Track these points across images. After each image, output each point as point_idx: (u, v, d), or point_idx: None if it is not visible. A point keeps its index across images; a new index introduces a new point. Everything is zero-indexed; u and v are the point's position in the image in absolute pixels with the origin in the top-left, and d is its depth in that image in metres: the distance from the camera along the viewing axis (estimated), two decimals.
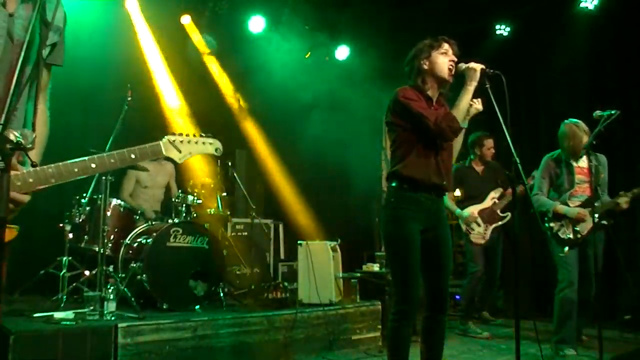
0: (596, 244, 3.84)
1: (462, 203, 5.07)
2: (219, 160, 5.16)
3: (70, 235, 4.16)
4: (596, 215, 3.84)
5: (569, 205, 3.97)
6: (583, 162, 4.03)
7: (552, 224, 4.01)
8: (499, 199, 5.02)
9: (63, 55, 1.91)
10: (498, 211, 5.01)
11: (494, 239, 5.00)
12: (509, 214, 5.01)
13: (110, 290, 3.50)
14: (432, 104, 2.76)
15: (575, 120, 4.02)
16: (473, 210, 4.97)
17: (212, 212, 4.66)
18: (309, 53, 6.79)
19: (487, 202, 5.03)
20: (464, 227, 5.00)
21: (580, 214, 3.91)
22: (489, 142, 5.05)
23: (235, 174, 5.33)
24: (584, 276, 3.89)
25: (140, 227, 4.30)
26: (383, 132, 7.94)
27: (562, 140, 4.05)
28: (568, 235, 3.95)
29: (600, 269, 3.94)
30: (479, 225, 4.96)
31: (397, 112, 2.72)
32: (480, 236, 4.96)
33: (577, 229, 3.92)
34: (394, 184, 2.69)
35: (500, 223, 5.02)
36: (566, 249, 3.93)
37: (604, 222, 3.97)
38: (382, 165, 7.91)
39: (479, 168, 5.11)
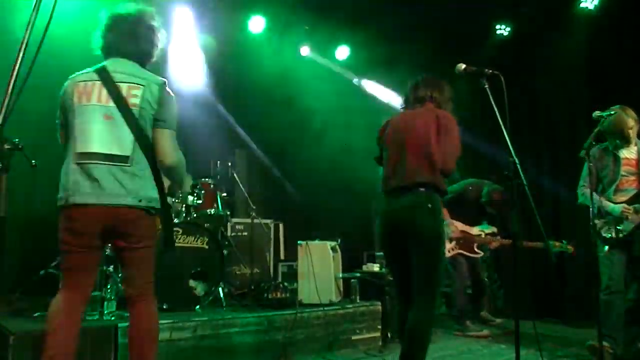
0: None
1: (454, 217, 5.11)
2: (219, 161, 5.16)
3: None
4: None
5: (613, 200, 3.71)
6: (632, 153, 3.78)
7: (596, 221, 3.75)
8: (486, 234, 5.05)
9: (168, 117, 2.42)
10: (475, 245, 5.03)
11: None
12: (482, 253, 5.07)
13: (110, 290, 3.50)
14: None
15: (621, 106, 3.75)
16: (459, 226, 5.01)
17: (212, 212, 4.65)
18: (309, 53, 6.79)
19: (474, 230, 5.07)
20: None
21: (625, 210, 3.64)
22: (496, 206, 5.07)
23: (235, 174, 5.33)
24: (634, 280, 3.65)
25: None
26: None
27: (608, 127, 3.70)
28: (610, 234, 3.70)
29: None
30: (449, 241, 4.97)
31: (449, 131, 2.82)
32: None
33: (620, 227, 3.65)
34: (437, 193, 2.79)
35: (467, 254, 5.03)
36: (606, 248, 3.68)
37: None
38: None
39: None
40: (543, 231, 2.76)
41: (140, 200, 2.31)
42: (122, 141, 2.32)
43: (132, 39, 2.44)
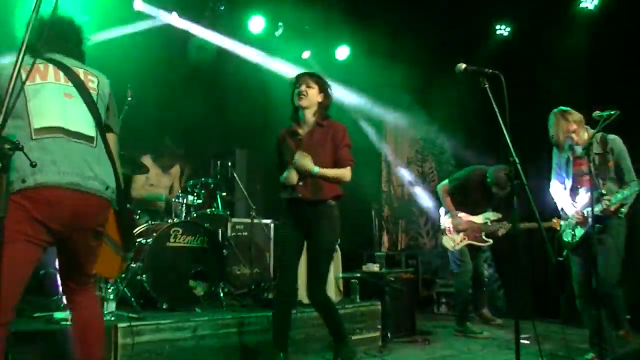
0: (602, 247, 3.42)
1: (456, 206, 5.08)
2: (219, 161, 5.16)
3: None
4: (589, 218, 3.44)
5: (572, 201, 3.62)
6: (580, 152, 3.62)
7: (562, 223, 3.75)
8: (492, 222, 4.98)
9: (116, 121, 2.36)
10: (482, 233, 4.97)
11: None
12: (491, 241, 5.00)
13: (110, 290, 3.50)
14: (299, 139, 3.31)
15: (565, 108, 3.67)
16: (463, 217, 4.99)
17: (212, 212, 4.65)
18: (309, 53, 6.79)
19: (479, 219, 5.01)
20: (444, 225, 5.01)
21: (576, 215, 3.57)
22: (503, 191, 4.83)
23: (235, 174, 5.33)
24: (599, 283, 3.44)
25: (140, 227, 4.30)
26: (383, 133, 7.96)
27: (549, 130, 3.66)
28: (567, 238, 3.65)
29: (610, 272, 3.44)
30: (457, 232, 4.94)
31: None
32: (452, 244, 4.97)
33: (575, 232, 3.59)
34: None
35: (477, 243, 4.99)
36: (565, 252, 3.66)
37: (597, 225, 3.39)
38: (382, 165, 7.93)
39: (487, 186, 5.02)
40: (543, 231, 2.76)
41: (107, 188, 2.10)
42: (86, 121, 2.12)
43: (66, 42, 2.28)
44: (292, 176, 3.19)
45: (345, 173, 3.27)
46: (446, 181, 5.21)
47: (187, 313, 3.73)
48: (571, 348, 4.16)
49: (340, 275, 4.64)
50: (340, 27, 6.32)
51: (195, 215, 4.46)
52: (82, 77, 2.19)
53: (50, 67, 2.13)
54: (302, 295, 4.39)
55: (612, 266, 3.46)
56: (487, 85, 2.61)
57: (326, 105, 3.37)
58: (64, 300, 3.75)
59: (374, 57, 6.33)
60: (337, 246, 4.62)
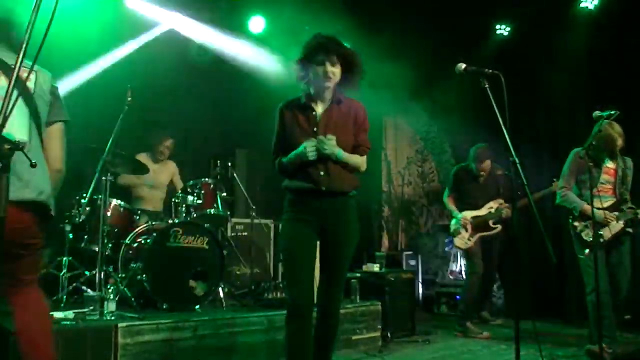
0: (622, 250, 3.83)
1: (458, 205, 5.10)
2: (218, 161, 5.16)
3: (70, 236, 4.16)
4: (621, 222, 3.81)
5: (599, 206, 3.81)
6: (611, 163, 3.95)
7: (576, 223, 3.94)
8: (495, 210, 5.00)
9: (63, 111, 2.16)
10: (490, 222, 5.00)
11: (491, 237, 5.02)
12: (500, 226, 5.00)
13: (110, 290, 3.50)
14: (315, 115, 2.82)
15: (609, 122, 3.81)
16: (467, 215, 4.99)
17: (212, 212, 4.65)
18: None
19: (483, 211, 5.03)
20: (452, 228, 5.03)
21: (607, 217, 3.81)
22: (487, 164, 4.97)
23: (235, 174, 5.33)
24: (610, 282, 3.79)
25: (141, 227, 4.31)
26: (382, 131, 7.96)
27: (598, 144, 3.79)
28: (590, 238, 3.82)
29: (629, 277, 3.87)
30: (466, 230, 4.96)
31: None
32: (463, 242, 4.96)
33: (601, 232, 3.80)
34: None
35: (487, 233, 5.00)
36: (586, 251, 3.84)
37: (629, 229, 3.86)
38: (382, 165, 7.93)
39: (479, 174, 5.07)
40: (543, 230, 2.76)
41: (40, 193, 1.93)
42: (19, 125, 1.96)
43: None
44: (311, 149, 2.67)
45: (364, 161, 2.86)
46: (446, 190, 5.28)
47: (187, 313, 3.73)
48: (572, 347, 4.17)
49: None
50: (340, 27, 6.31)
51: (195, 215, 4.46)
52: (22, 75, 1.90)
53: None
54: None
55: (630, 266, 3.88)
56: (487, 85, 2.62)
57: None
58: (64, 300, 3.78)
59: (373, 57, 6.32)
60: None
